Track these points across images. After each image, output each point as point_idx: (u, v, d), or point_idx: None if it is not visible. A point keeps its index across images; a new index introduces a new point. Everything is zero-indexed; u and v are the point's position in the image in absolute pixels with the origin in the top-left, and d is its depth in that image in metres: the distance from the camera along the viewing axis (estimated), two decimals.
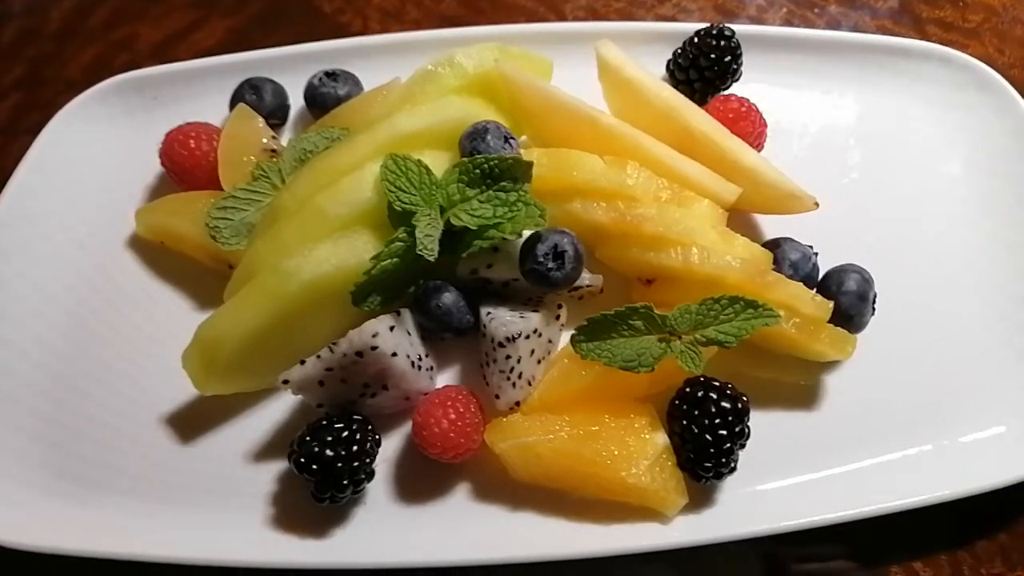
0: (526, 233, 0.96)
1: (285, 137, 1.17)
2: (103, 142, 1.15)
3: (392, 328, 0.93)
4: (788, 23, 1.27)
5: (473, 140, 0.97)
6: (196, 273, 1.08)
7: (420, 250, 0.89)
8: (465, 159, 0.95)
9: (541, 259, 0.93)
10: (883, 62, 1.17)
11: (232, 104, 1.13)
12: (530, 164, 0.95)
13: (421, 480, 0.96)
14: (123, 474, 0.97)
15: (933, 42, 1.22)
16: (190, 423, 1.00)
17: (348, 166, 0.95)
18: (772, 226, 1.08)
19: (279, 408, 1.01)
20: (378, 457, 0.96)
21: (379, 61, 1.18)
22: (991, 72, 1.13)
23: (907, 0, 1.28)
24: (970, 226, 1.09)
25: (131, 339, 1.05)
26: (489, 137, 0.97)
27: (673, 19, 1.28)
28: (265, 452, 0.99)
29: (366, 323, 0.91)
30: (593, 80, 1.11)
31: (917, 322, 1.03)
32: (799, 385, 1.01)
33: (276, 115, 1.13)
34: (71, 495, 0.96)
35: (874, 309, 1.00)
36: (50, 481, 0.96)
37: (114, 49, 1.29)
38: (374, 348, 0.90)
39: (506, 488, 0.94)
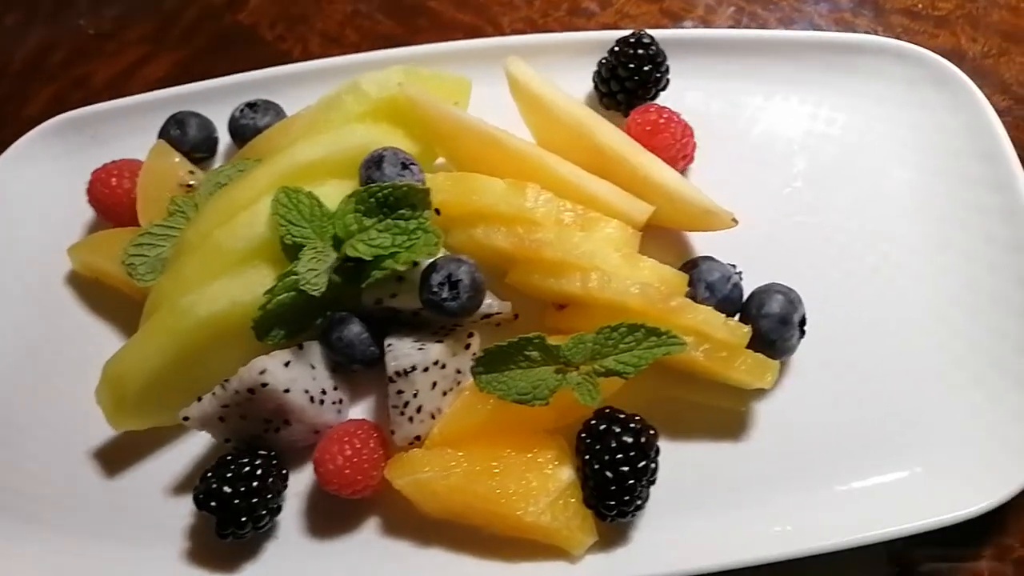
0: (426, 262, 0.94)
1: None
2: (44, 182, 1.19)
3: (288, 363, 0.92)
4: (737, 23, 1.19)
5: (368, 168, 0.95)
6: (130, 307, 1.10)
7: (303, 285, 0.88)
8: (361, 188, 0.93)
9: (436, 289, 0.91)
10: (831, 61, 1.08)
11: (159, 138, 1.14)
12: (427, 191, 0.92)
13: (331, 514, 0.95)
14: (50, 506, 0.99)
15: (898, 33, 1.13)
16: (113, 457, 1.02)
17: (246, 200, 0.95)
18: (699, 244, 1.01)
19: (197, 442, 1.01)
20: (291, 490, 0.96)
21: (311, 88, 1.17)
22: (948, 66, 1.03)
23: None
24: (921, 235, 0.99)
25: (65, 373, 1.07)
26: (385, 165, 0.95)
27: (615, 27, 1.23)
28: (182, 486, 0.99)
29: (255, 359, 0.90)
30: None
31: (856, 345, 0.95)
32: (735, 411, 0.95)
33: (201, 149, 1.14)
34: (5, 531, 0.98)
35: (803, 332, 0.92)
36: None
37: (71, 87, 1.34)
38: (264, 385, 0.89)
39: (417, 522, 0.92)
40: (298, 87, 1.18)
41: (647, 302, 0.88)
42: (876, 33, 1.16)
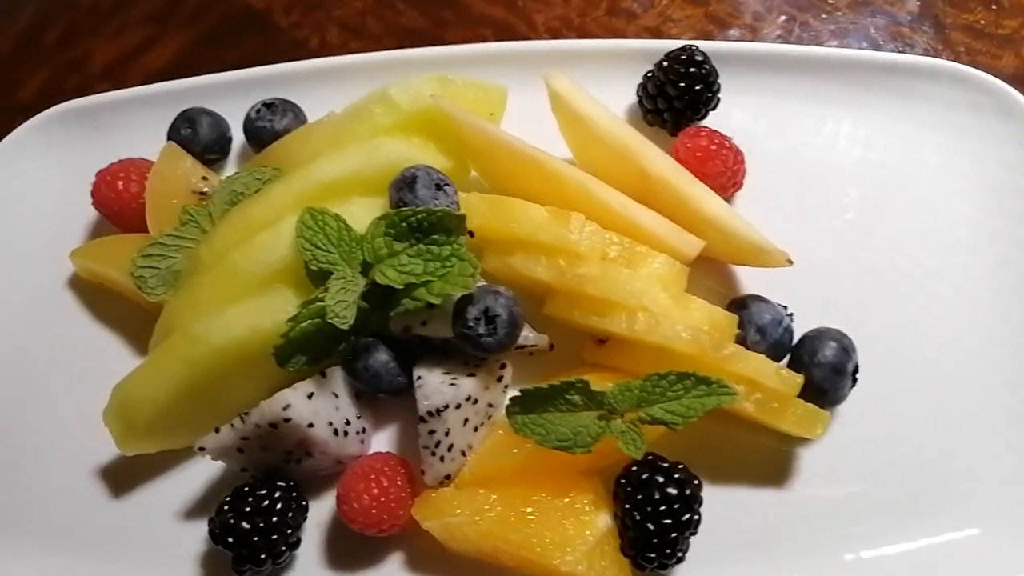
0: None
1: (227, 172, 1.09)
2: (43, 175, 1.11)
3: (311, 395, 0.87)
4: (788, 32, 1.12)
5: (400, 190, 0.88)
6: (135, 315, 1.03)
7: (331, 318, 0.82)
8: (391, 212, 0.87)
9: (471, 323, 0.85)
10: (887, 82, 1.02)
11: (169, 137, 1.06)
12: (463, 218, 0.86)
13: (352, 547, 0.91)
14: (50, 525, 0.94)
15: (959, 52, 1.07)
16: (119, 477, 0.97)
17: (265, 219, 0.88)
18: (748, 277, 0.96)
19: (211, 465, 0.96)
20: (311, 520, 0.92)
21: (331, 86, 1.10)
22: (1015, 95, 0.97)
23: (929, 2, 1.11)
24: (977, 278, 0.95)
25: (68, 385, 1.02)
26: (418, 186, 0.88)
27: (658, 30, 1.15)
28: (193, 511, 0.95)
29: (277, 394, 0.85)
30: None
31: (906, 392, 0.91)
32: (777, 451, 0.91)
33: (214, 150, 1.06)
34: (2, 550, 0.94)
35: (855, 380, 0.88)
36: None
37: (66, 71, 1.25)
38: (287, 420, 0.84)
39: (443, 561, 0.88)
40: (317, 85, 1.10)
41: (698, 349, 0.83)
42: (935, 51, 1.09)
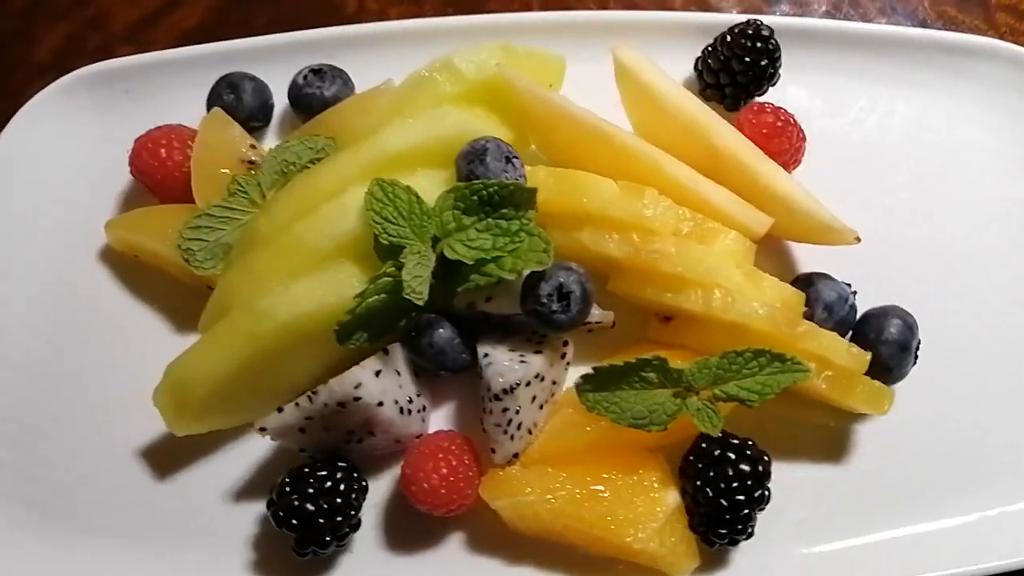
0: None
1: (269, 140, 1.06)
2: (71, 141, 1.05)
3: (378, 372, 0.85)
4: (836, 8, 1.12)
5: (471, 162, 0.86)
6: (174, 289, 0.99)
7: (407, 294, 0.79)
8: (461, 184, 0.85)
9: (544, 300, 0.84)
10: (940, 61, 1.02)
11: (209, 104, 1.02)
12: (534, 191, 0.84)
13: (412, 528, 0.89)
14: (91, 508, 0.91)
15: (1002, 32, 1.07)
16: (165, 457, 0.93)
17: (330, 190, 0.85)
18: (805, 255, 0.96)
19: (262, 444, 0.93)
20: (367, 501, 0.89)
21: (373, 52, 1.06)
22: None
23: None
24: None
25: (103, 362, 0.98)
26: (488, 159, 0.86)
27: (705, 3, 1.13)
28: (245, 492, 0.92)
29: (348, 372, 0.82)
30: (610, 78, 0.98)
31: (963, 372, 0.92)
32: (828, 427, 0.92)
33: (257, 117, 1.02)
34: (36, 529, 0.90)
35: (916, 358, 0.89)
36: (15, 512, 0.91)
37: (85, 29, 1.18)
38: (357, 399, 0.82)
39: (504, 539, 0.88)
40: (361, 51, 1.06)
41: (773, 326, 0.83)
42: (981, 31, 1.10)
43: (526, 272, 0.85)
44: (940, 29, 1.09)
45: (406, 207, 0.83)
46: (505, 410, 0.84)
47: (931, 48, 1.02)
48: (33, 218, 1.02)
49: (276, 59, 1.06)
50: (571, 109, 0.90)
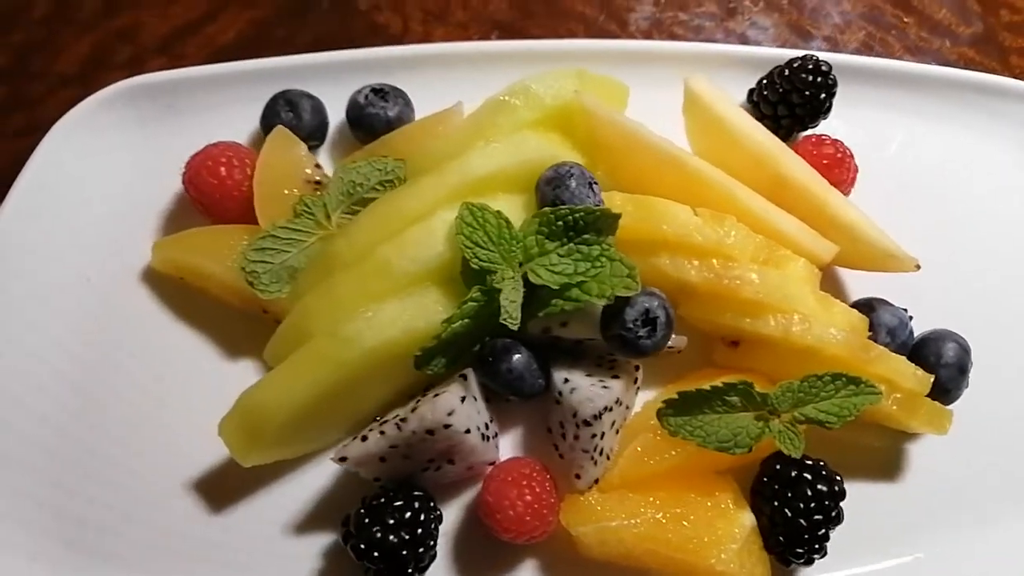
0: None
1: (322, 159, 1.03)
2: (111, 156, 1.00)
3: (463, 399, 0.83)
4: (866, 46, 1.17)
5: (556, 187, 0.86)
6: (222, 314, 0.96)
7: (504, 319, 0.79)
8: (547, 209, 0.84)
9: (631, 325, 0.84)
10: (977, 101, 1.08)
11: (264, 121, 0.99)
12: (618, 217, 0.85)
13: (485, 558, 0.88)
14: (138, 546, 0.86)
15: (1016, 72, 1.15)
16: (217, 489, 0.90)
17: (416, 213, 0.83)
18: (850, 281, 1.00)
19: (322, 474, 0.91)
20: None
21: (425, 72, 1.05)
22: None
23: (991, 26, 1.19)
24: None
25: (147, 389, 0.93)
26: (573, 183, 0.86)
27: (744, 35, 1.17)
28: (306, 524, 0.89)
29: (440, 398, 0.80)
30: (660, 105, 1.00)
31: (1008, 393, 0.97)
32: (874, 449, 0.95)
33: (315, 136, 1.00)
34: (81, 569, 0.85)
35: (968, 380, 0.93)
36: (58, 553, 0.85)
37: (114, 40, 1.13)
38: (447, 426, 0.80)
39: (576, 567, 0.87)
40: (417, 72, 1.05)
41: (848, 351, 0.86)
42: (998, 72, 1.17)
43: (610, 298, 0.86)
44: (961, 69, 1.15)
45: (495, 232, 0.83)
46: (593, 436, 0.83)
47: (969, 88, 1.08)
48: (68, 236, 0.97)
49: (325, 77, 1.04)
50: (646, 135, 0.91)
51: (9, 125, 1.07)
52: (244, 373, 0.92)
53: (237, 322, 0.95)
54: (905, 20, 1.19)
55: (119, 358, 0.94)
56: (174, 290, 0.97)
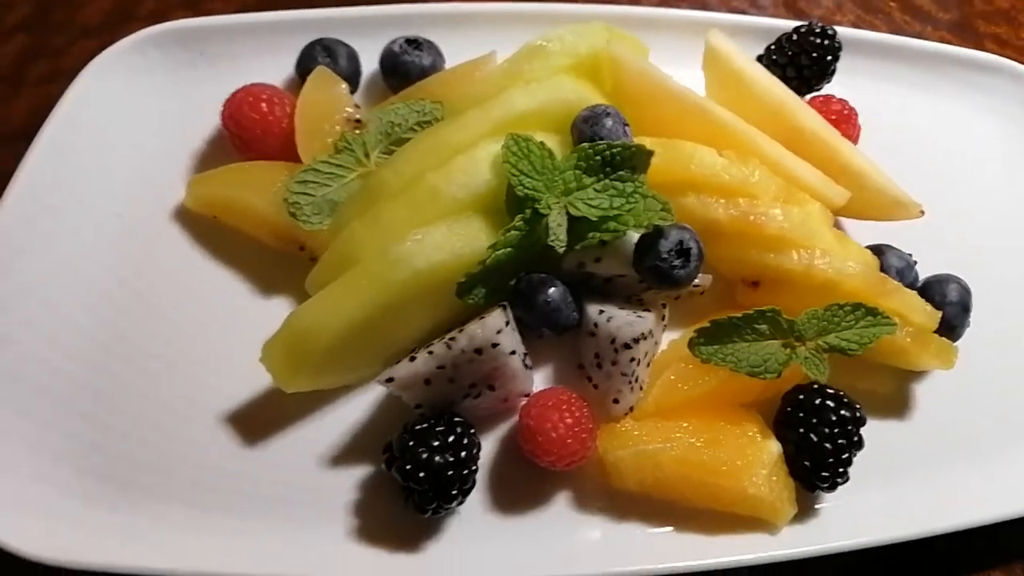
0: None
1: None
2: (142, 99, 1.01)
3: (507, 323, 0.85)
4: (855, 27, 1.26)
5: (593, 125, 0.90)
6: (254, 252, 0.97)
7: (551, 241, 0.82)
8: (585, 144, 0.88)
9: (665, 256, 0.88)
10: (957, 74, 1.18)
11: (300, 65, 1.01)
12: (651, 153, 0.89)
13: (518, 489, 0.89)
14: (176, 479, 0.86)
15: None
16: (253, 422, 0.89)
17: (461, 144, 0.86)
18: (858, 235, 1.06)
19: (359, 406, 0.91)
20: None
21: (452, 30, 1.09)
22: None
23: (966, 14, 1.30)
24: None
25: (181, 326, 0.93)
26: (609, 121, 0.90)
27: (744, 13, 1.25)
28: (343, 457, 0.89)
29: (488, 318, 0.83)
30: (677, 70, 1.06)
31: (1003, 333, 1.04)
32: (879, 395, 1.00)
33: (351, 82, 1.02)
34: (116, 504, 0.84)
35: (970, 320, 1.00)
36: (91, 487, 0.84)
37: None
38: (495, 345, 0.83)
39: (607, 497, 0.89)
40: (440, 28, 1.08)
41: (866, 283, 0.91)
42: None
43: (646, 229, 0.89)
44: None
45: (539, 162, 0.86)
46: (632, 359, 0.86)
47: (946, 60, 1.17)
48: (100, 175, 0.96)
49: (357, 31, 1.06)
50: (672, 84, 0.96)
51: (32, 72, 1.06)
52: (278, 310, 0.93)
53: (271, 260, 0.96)
54: (891, 4, 1.29)
55: (151, 294, 0.93)
56: (208, 228, 0.97)
